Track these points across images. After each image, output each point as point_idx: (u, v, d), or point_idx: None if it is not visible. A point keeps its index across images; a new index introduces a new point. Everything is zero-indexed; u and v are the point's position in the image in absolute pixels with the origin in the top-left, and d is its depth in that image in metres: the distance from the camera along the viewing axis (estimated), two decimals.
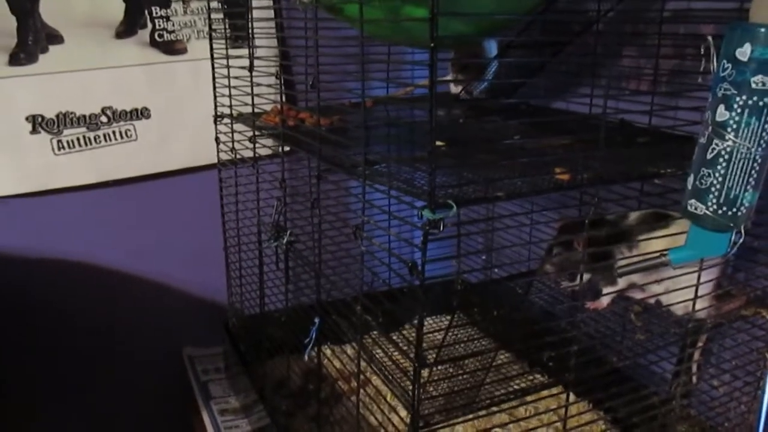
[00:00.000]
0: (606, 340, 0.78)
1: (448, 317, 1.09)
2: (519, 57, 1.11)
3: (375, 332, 0.87)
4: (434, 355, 0.66)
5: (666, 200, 0.78)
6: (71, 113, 1.15)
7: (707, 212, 0.61)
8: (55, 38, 1.11)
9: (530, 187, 0.60)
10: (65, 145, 1.16)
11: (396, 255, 0.59)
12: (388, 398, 0.99)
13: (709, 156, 0.60)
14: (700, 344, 0.82)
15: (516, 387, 0.80)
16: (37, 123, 1.13)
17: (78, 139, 1.16)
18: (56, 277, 1.23)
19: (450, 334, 0.79)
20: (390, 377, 0.68)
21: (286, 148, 0.96)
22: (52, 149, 1.15)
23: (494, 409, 0.72)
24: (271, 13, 1.17)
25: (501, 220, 1.04)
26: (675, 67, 0.91)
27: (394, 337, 1.09)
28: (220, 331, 1.26)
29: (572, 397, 0.98)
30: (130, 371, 1.33)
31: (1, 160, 1.12)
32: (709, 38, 0.61)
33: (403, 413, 0.83)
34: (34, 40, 1.09)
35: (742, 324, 0.84)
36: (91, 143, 1.18)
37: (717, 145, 0.60)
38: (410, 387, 0.58)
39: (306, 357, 0.79)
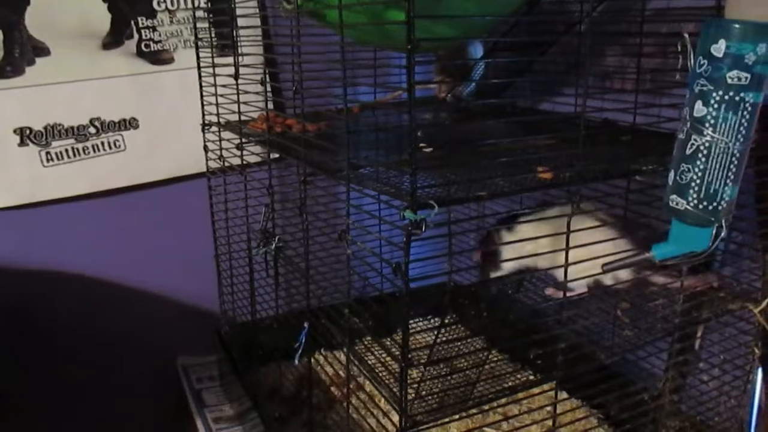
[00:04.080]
0: (594, 337, 0.78)
1: (439, 319, 1.09)
2: (504, 58, 1.12)
3: (366, 337, 0.87)
4: (424, 356, 0.67)
5: (649, 197, 0.79)
6: (59, 125, 1.15)
7: (688, 207, 0.62)
8: (42, 50, 1.12)
9: (512, 187, 0.61)
10: (54, 156, 1.16)
11: (379, 256, 0.60)
12: (382, 403, 0.99)
13: (688, 151, 0.61)
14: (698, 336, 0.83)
15: (507, 385, 0.80)
16: (25, 135, 1.13)
17: (66, 150, 1.17)
18: (47, 288, 1.22)
19: (440, 334, 0.79)
20: (379, 380, 0.68)
21: (274, 155, 0.96)
22: (41, 161, 1.15)
23: (485, 407, 0.73)
24: (256, 21, 1.17)
25: (487, 220, 1.05)
26: (657, 66, 0.92)
27: (387, 342, 1.09)
28: (213, 340, 1.26)
29: (563, 395, 0.98)
30: (123, 381, 1.33)
31: None
32: (686, 35, 0.62)
33: (397, 418, 0.83)
34: (20, 52, 1.10)
35: (729, 318, 0.84)
36: (79, 154, 1.18)
37: (696, 140, 0.60)
38: (397, 388, 0.58)
39: (296, 362, 0.79)
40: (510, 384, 0.86)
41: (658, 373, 0.92)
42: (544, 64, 1.08)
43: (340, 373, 1.06)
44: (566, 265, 0.68)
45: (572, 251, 0.67)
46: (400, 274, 0.54)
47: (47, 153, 1.15)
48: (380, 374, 0.69)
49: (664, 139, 0.83)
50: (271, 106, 1.01)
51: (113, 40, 1.17)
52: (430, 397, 0.63)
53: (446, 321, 0.86)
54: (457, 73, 1.15)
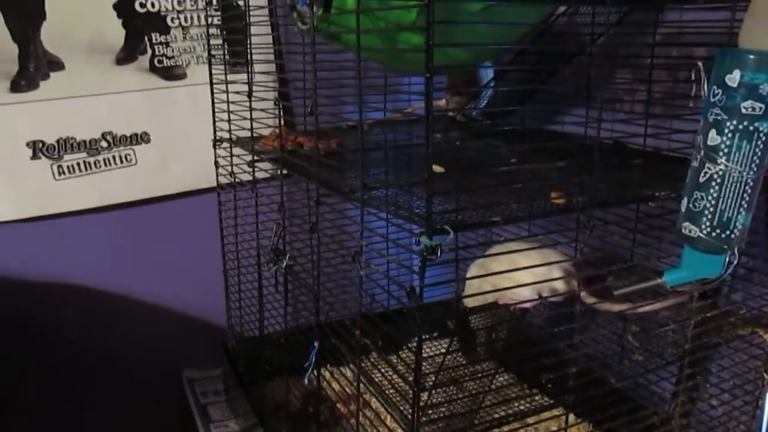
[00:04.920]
0: (604, 361, 0.78)
1: (446, 340, 1.09)
2: (514, 80, 1.13)
3: (374, 354, 0.87)
4: (433, 379, 0.67)
5: (663, 221, 0.79)
6: (71, 138, 1.16)
7: (701, 235, 0.62)
8: (56, 65, 1.13)
9: (526, 212, 0.61)
10: (65, 170, 1.17)
11: (394, 279, 0.60)
12: (388, 421, 0.99)
13: (701, 179, 0.61)
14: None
15: (517, 409, 0.80)
16: (37, 149, 1.14)
17: (78, 164, 1.17)
18: (56, 301, 1.23)
19: (448, 357, 0.79)
20: (389, 401, 0.68)
21: (285, 172, 0.97)
22: (53, 174, 1.16)
23: (495, 431, 0.72)
24: (269, 39, 1.18)
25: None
26: (668, 89, 0.92)
27: (394, 360, 1.09)
28: (220, 354, 1.25)
29: (573, 419, 0.98)
30: (129, 394, 1.33)
31: (2, 185, 1.13)
32: (699, 63, 0.62)
33: None
34: (35, 66, 1.11)
35: (740, 343, 0.84)
36: (91, 168, 1.19)
37: (709, 168, 0.60)
38: (409, 411, 0.58)
39: (306, 381, 0.79)
40: (520, 408, 0.86)
41: (666, 397, 0.91)
42: (552, 86, 1.08)
43: (346, 389, 1.06)
44: (579, 291, 0.68)
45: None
46: (414, 298, 0.54)
47: (59, 166, 1.16)
48: (390, 394, 0.69)
49: (675, 163, 0.83)
50: (281, 123, 1.01)
51: (127, 55, 1.18)
52: (440, 421, 0.62)
53: (452, 346, 0.86)
54: (467, 93, 1.16)
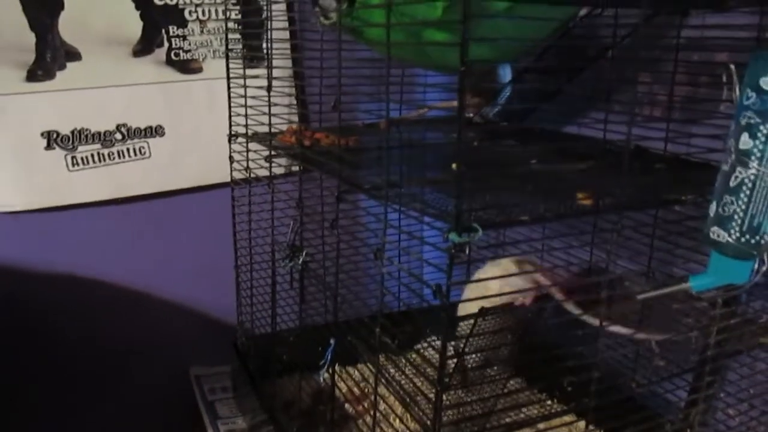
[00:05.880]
0: (623, 369, 0.77)
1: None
2: (533, 82, 1.12)
3: (383, 354, 0.86)
4: (449, 380, 0.66)
5: (682, 227, 0.78)
6: (86, 130, 1.16)
7: (729, 240, 0.61)
8: (73, 55, 1.12)
9: (554, 212, 0.60)
10: (79, 161, 1.16)
11: (418, 277, 0.59)
12: (396, 424, 0.98)
13: (732, 183, 0.60)
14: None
15: (535, 414, 0.79)
16: (52, 139, 1.13)
17: (92, 155, 1.17)
18: (66, 293, 1.22)
19: (462, 358, 0.78)
20: (407, 400, 0.67)
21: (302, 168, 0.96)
22: (66, 165, 1.15)
23: None
24: (286, 34, 1.18)
25: (516, 246, 1.04)
26: (689, 94, 0.92)
27: (408, 358, 1.08)
28: (228, 350, 1.25)
29: (584, 426, 0.97)
30: (136, 389, 1.32)
31: (16, 175, 1.12)
32: (732, 66, 0.61)
33: None
34: (52, 57, 1.10)
35: (759, 352, 0.83)
36: (105, 160, 1.18)
37: (740, 173, 0.60)
38: (430, 411, 0.58)
39: (321, 379, 0.79)
40: (534, 413, 0.85)
41: (679, 406, 0.90)
42: (571, 88, 1.08)
43: (354, 390, 1.06)
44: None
45: None
46: (440, 296, 0.53)
47: (73, 157, 1.16)
48: (409, 393, 0.69)
49: (698, 168, 0.82)
50: (299, 119, 1.01)
51: (143, 47, 1.18)
52: (460, 423, 0.62)
53: (468, 347, 0.85)
54: (485, 93, 1.15)
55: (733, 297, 0.85)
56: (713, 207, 0.63)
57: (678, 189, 0.71)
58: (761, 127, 0.58)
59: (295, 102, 1.25)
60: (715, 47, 0.88)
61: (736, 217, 0.61)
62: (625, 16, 0.90)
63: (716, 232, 0.62)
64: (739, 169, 0.60)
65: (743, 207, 0.60)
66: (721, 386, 0.88)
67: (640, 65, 0.99)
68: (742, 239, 0.61)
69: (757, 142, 0.58)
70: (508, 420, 0.81)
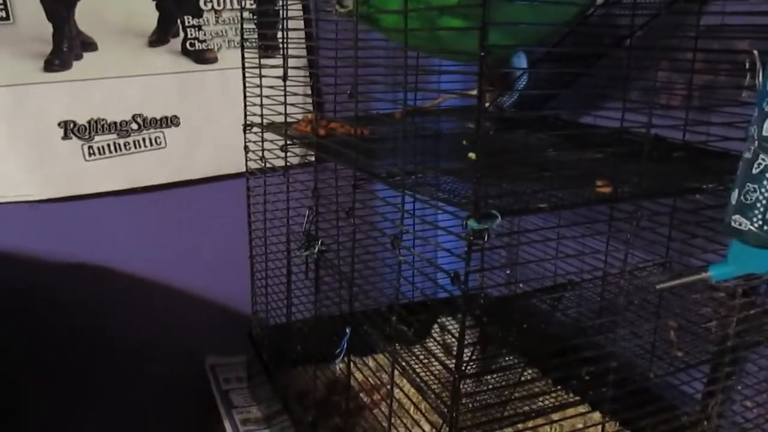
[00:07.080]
0: (638, 360, 0.77)
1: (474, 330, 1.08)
2: (549, 70, 1.11)
3: (406, 342, 0.87)
4: (466, 368, 0.66)
5: (699, 216, 0.77)
6: (102, 120, 1.16)
7: (752, 228, 0.61)
8: (90, 45, 1.13)
9: (573, 200, 0.60)
10: (96, 151, 1.17)
11: (436, 265, 0.59)
12: (411, 411, 0.98)
13: (755, 171, 0.59)
14: None
15: (551, 404, 0.78)
16: (68, 129, 1.14)
17: (108, 145, 1.17)
18: (81, 283, 1.23)
19: (476, 348, 0.78)
20: (424, 388, 0.67)
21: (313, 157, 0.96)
22: (83, 155, 1.16)
23: (530, 424, 0.71)
24: (301, 23, 1.17)
25: (526, 235, 1.03)
26: (708, 83, 0.90)
27: (417, 348, 1.08)
28: (243, 340, 1.25)
29: (599, 416, 0.96)
30: (152, 379, 1.33)
31: (33, 165, 1.13)
32: (755, 52, 0.61)
33: (427, 427, 0.82)
34: (68, 47, 1.11)
35: None
36: (121, 150, 1.19)
37: (764, 160, 0.59)
38: (447, 399, 0.57)
39: (337, 368, 0.79)
40: (548, 403, 0.85)
41: (696, 397, 0.90)
42: (587, 77, 1.06)
43: (370, 379, 1.06)
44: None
45: None
46: (458, 284, 0.53)
47: (89, 147, 1.16)
48: (426, 381, 0.69)
49: (716, 157, 0.81)
50: (315, 108, 1.01)
51: (159, 37, 1.18)
52: (477, 411, 0.62)
53: (479, 337, 0.85)
54: (501, 83, 1.14)
55: (752, 287, 0.84)
56: (734, 195, 0.62)
57: (697, 177, 0.70)
58: None
59: (309, 91, 1.25)
60: (736, 34, 0.86)
61: (758, 204, 0.60)
62: (644, 2, 0.89)
63: (738, 221, 0.61)
64: (762, 156, 0.59)
65: (766, 194, 0.59)
66: (739, 378, 0.87)
67: (658, 53, 0.98)
68: (765, 227, 0.60)
69: None
70: (525, 409, 0.81)
